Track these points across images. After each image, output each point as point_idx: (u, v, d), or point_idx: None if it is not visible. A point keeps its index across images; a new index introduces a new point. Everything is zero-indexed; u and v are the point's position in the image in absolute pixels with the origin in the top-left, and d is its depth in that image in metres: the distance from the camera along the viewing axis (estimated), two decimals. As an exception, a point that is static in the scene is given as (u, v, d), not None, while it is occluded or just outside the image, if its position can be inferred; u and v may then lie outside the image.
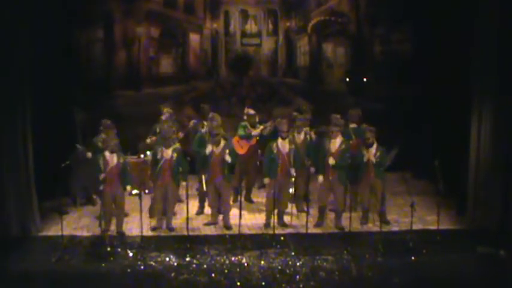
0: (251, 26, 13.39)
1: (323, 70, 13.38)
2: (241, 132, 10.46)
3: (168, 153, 9.21)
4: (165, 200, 9.31)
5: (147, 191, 10.48)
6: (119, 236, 9.07)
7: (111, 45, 12.86)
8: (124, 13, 12.82)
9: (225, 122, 10.72)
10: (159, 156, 9.19)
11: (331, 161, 9.18)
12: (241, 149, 10.39)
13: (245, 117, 10.59)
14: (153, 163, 9.42)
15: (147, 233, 9.20)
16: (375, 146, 9.32)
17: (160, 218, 9.37)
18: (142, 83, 13.09)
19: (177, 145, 9.46)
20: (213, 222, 9.57)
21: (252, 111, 10.61)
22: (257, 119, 10.61)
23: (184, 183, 9.32)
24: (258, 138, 10.50)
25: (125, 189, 9.19)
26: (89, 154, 9.96)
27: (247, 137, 10.44)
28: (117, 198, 9.13)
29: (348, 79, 13.31)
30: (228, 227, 9.43)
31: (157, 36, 13.11)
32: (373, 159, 9.28)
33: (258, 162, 10.60)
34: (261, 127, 10.46)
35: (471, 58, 9.29)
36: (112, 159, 9.08)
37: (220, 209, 9.68)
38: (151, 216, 9.70)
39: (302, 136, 9.93)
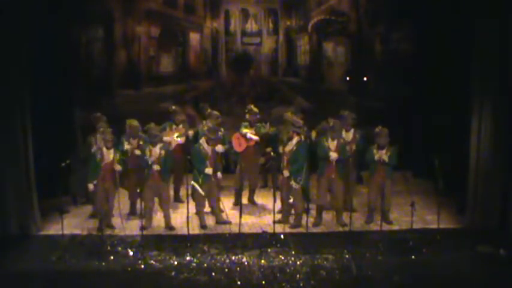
0: (251, 25, 13.39)
1: (323, 69, 13.38)
2: (245, 129, 10.13)
3: (156, 151, 9.22)
4: (159, 199, 9.33)
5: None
6: (109, 229, 9.22)
7: (111, 44, 12.86)
8: (124, 12, 12.82)
9: (225, 121, 10.74)
10: (146, 156, 9.19)
11: (334, 155, 9.18)
12: (240, 146, 10.15)
13: (247, 116, 10.32)
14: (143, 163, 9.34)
15: (147, 231, 9.20)
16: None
17: (150, 217, 9.35)
18: (142, 82, 13.09)
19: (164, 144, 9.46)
20: (204, 225, 9.48)
21: (255, 109, 10.34)
22: (257, 116, 10.32)
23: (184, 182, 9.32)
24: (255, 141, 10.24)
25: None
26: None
27: (247, 137, 10.15)
28: (110, 194, 9.23)
29: (348, 78, 13.31)
30: (220, 222, 9.46)
31: (157, 35, 13.10)
32: (385, 159, 9.25)
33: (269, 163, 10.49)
34: (254, 134, 10.15)
35: (472, 58, 9.29)
36: (108, 155, 9.16)
37: (212, 207, 9.61)
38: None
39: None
